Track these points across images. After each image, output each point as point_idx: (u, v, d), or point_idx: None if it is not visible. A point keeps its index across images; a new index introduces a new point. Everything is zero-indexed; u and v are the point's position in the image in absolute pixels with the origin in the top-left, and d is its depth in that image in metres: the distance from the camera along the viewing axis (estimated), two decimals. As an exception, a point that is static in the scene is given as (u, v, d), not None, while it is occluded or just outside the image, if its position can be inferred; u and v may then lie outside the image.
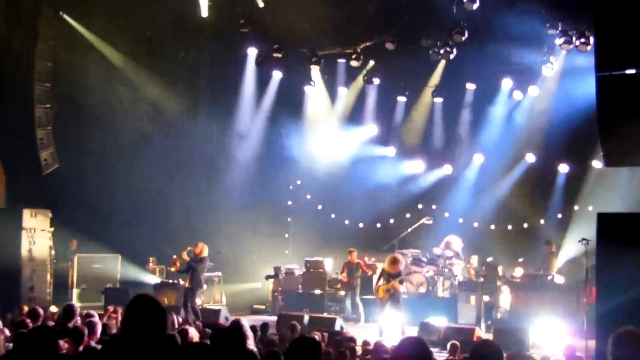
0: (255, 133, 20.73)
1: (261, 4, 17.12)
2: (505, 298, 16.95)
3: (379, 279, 15.37)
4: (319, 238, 21.15)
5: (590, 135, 13.42)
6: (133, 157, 19.69)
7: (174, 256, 16.06)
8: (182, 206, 20.68)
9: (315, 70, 18.82)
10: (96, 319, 8.46)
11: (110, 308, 12.51)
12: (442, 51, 16.82)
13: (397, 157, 21.39)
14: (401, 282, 15.09)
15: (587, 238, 12.81)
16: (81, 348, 7.40)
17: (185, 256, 15.77)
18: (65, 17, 17.57)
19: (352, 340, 11.25)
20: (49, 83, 17.18)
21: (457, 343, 11.33)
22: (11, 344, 7.11)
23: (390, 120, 21.20)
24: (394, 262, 15.09)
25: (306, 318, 14.73)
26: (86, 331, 7.65)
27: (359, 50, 17.89)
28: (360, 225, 22.07)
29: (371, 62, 19.23)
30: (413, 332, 13.99)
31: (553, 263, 17.13)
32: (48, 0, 16.93)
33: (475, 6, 15.10)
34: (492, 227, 20.18)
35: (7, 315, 11.48)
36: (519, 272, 17.11)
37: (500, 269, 17.89)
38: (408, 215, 20.73)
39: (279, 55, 18.07)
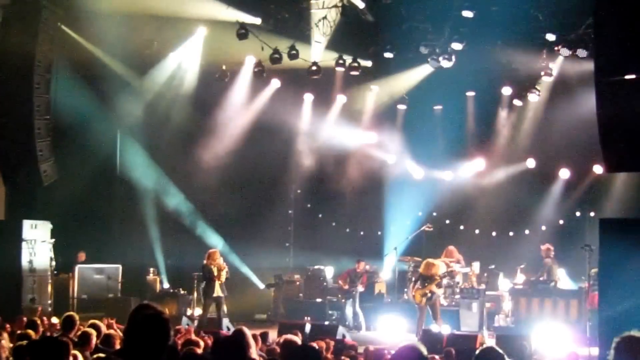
0: (253, 141, 20.67)
1: (258, 21, 17.18)
2: (507, 305, 16.91)
3: (414, 283, 15.53)
4: (320, 246, 21.12)
5: (591, 140, 13.42)
6: (134, 167, 19.67)
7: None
8: (182, 214, 20.63)
9: (314, 79, 18.76)
10: (91, 330, 8.42)
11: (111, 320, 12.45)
12: (441, 59, 16.81)
13: (397, 165, 21.37)
14: (439, 286, 15.24)
15: (589, 244, 12.79)
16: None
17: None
18: (65, 28, 17.56)
19: (354, 348, 11.23)
20: (48, 94, 17.16)
21: (451, 349, 11.29)
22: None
23: (390, 127, 21.19)
24: (429, 266, 15.34)
25: (308, 327, 14.69)
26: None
27: (358, 59, 17.87)
28: (361, 232, 22.05)
29: (370, 70, 19.21)
30: (415, 339, 13.95)
31: (554, 269, 17.09)
32: (48, 12, 16.91)
33: (473, 13, 15.10)
34: (494, 233, 20.17)
35: (7, 327, 11.41)
36: (520, 278, 17.09)
37: (501, 276, 17.87)
38: (408, 223, 20.69)
39: (278, 64, 18.01)
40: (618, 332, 5.07)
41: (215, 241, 20.27)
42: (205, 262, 15.73)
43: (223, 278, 15.72)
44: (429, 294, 15.09)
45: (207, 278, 15.64)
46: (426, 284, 15.16)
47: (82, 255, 18.91)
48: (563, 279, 17.13)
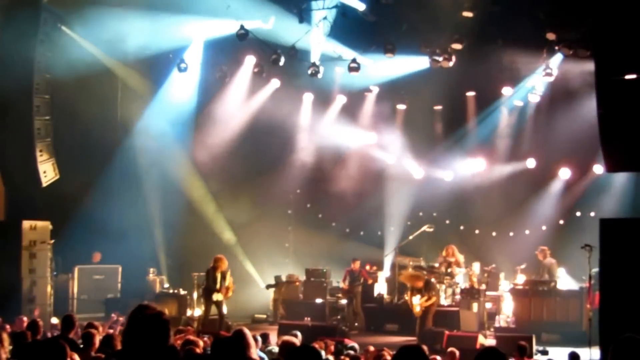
0: (253, 141, 20.65)
1: (259, 23, 17.18)
2: (507, 305, 16.89)
3: (411, 296, 15.60)
4: (320, 247, 21.09)
5: (591, 140, 13.40)
6: (132, 168, 19.64)
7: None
8: (182, 215, 20.59)
9: (314, 79, 18.73)
10: (94, 330, 8.41)
11: (114, 316, 12.47)
12: (441, 59, 16.77)
13: (397, 165, 21.34)
14: (429, 300, 15.28)
15: (589, 244, 12.76)
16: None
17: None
18: (64, 28, 17.54)
19: (354, 348, 11.22)
20: (47, 95, 17.13)
21: (455, 350, 11.28)
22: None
23: (390, 127, 21.16)
24: (414, 278, 15.49)
25: (308, 327, 14.68)
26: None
27: (357, 59, 17.84)
28: (361, 233, 22.03)
29: (370, 70, 19.16)
30: (415, 340, 13.95)
31: (554, 269, 17.07)
32: (47, 13, 16.88)
33: (473, 13, 15.07)
34: (494, 233, 20.13)
35: (7, 327, 11.40)
36: (521, 278, 17.06)
37: (502, 276, 17.85)
38: (409, 223, 20.68)
39: (280, 64, 17.97)
40: (619, 332, 5.05)
41: (218, 240, 20.32)
42: (211, 266, 15.69)
43: (230, 294, 15.72)
44: (422, 307, 15.23)
45: (209, 282, 15.61)
46: (420, 296, 15.32)
47: (97, 256, 18.91)
48: (563, 278, 17.11)
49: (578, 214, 18.87)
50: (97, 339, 8.34)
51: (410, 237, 19.14)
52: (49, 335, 10.69)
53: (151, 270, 19.44)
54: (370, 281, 18.07)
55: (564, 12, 15.14)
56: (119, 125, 19.79)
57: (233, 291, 15.87)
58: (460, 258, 17.76)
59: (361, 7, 15.90)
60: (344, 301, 18.36)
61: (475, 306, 16.43)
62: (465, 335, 14.26)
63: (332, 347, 11.47)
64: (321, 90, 20.53)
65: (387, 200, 21.41)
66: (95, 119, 18.41)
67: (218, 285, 15.49)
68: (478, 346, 12.98)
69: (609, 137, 11.73)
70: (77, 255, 18.66)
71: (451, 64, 16.77)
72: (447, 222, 20.77)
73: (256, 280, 21.01)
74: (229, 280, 15.65)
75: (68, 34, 17.63)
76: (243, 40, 17.05)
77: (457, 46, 16.26)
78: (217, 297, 15.48)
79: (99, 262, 18.87)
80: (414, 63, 18.21)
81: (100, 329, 9.51)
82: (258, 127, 20.24)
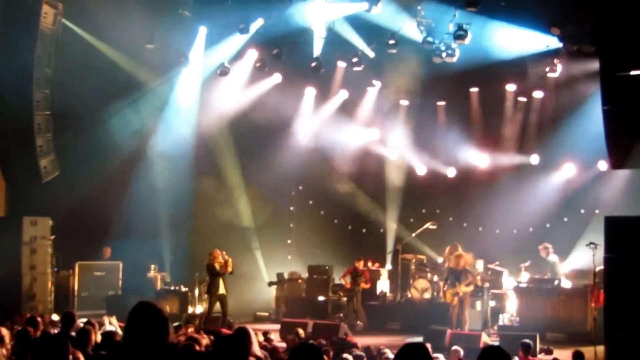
0: (254, 137, 20.58)
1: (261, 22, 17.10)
2: (511, 303, 16.81)
3: (445, 281, 15.78)
4: (322, 244, 21.03)
5: (595, 137, 13.32)
6: (134, 164, 19.55)
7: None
8: (183, 213, 20.52)
9: (316, 74, 18.65)
10: (89, 326, 8.36)
11: (105, 319, 12.39)
12: (444, 54, 16.68)
13: (399, 161, 21.26)
14: (468, 285, 15.34)
15: (594, 242, 12.70)
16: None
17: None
18: (65, 21, 17.45)
19: (355, 346, 11.14)
20: (48, 89, 17.05)
21: (459, 349, 11.21)
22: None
23: (393, 123, 21.08)
24: (457, 258, 15.75)
25: (310, 325, 14.63)
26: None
27: (360, 54, 17.77)
28: (363, 230, 21.96)
29: (373, 66, 19.07)
30: (418, 338, 13.87)
31: (558, 267, 16.99)
32: (48, 5, 16.79)
33: (478, 8, 14.98)
34: (497, 231, 20.02)
35: (8, 324, 11.35)
36: (525, 276, 16.98)
37: (505, 274, 17.76)
38: (412, 220, 20.60)
39: (280, 58, 17.88)
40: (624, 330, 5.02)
41: (220, 237, 20.25)
42: (208, 261, 15.69)
43: (230, 268, 15.65)
44: (460, 293, 15.22)
45: (211, 275, 15.59)
46: (457, 283, 15.31)
47: (107, 251, 18.84)
48: (566, 264, 17.05)
49: (582, 211, 18.76)
50: (93, 336, 8.28)
51: (413, 234, 19.09)
52: (49, 332, 10.61)
53: (152, 266, 19.36)
54: (369, 285, 17.91)
55: (568, 7, 15.05)
56: (121, 120, 19.68)
57: (232, 263, 15.81)
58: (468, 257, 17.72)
59: (364, 7, 15.83)
60: (345, 298, 18.29)
61: (478, 304, 16.36)
62: (469, 334, 14.19)
63: (335, 346, 11.38)
64: (324, 86, 20.46)
65: (389, 197, 21.33)
66: (96, 113, 18.33)
67: (219, 270, 15.49)
68: (481, 345, 12.89)
69: (614, 133, 11.65)
70: (78, 252, 18.59)
71: (455, 59, 16.69)
72: (450, 219, 20.69)
73: (258, 278, 20.93)
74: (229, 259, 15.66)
75: (69, 26, 17.53)
76: (245, 34, 16.99)
77: (461, 41, 16.16)
78: (222, 288, 15.43)
79: (109, 257, 18.81)
80: (418, 58, 18.11)
81: (97, 326, 9.43)
82: (259, 122, 20.16)
